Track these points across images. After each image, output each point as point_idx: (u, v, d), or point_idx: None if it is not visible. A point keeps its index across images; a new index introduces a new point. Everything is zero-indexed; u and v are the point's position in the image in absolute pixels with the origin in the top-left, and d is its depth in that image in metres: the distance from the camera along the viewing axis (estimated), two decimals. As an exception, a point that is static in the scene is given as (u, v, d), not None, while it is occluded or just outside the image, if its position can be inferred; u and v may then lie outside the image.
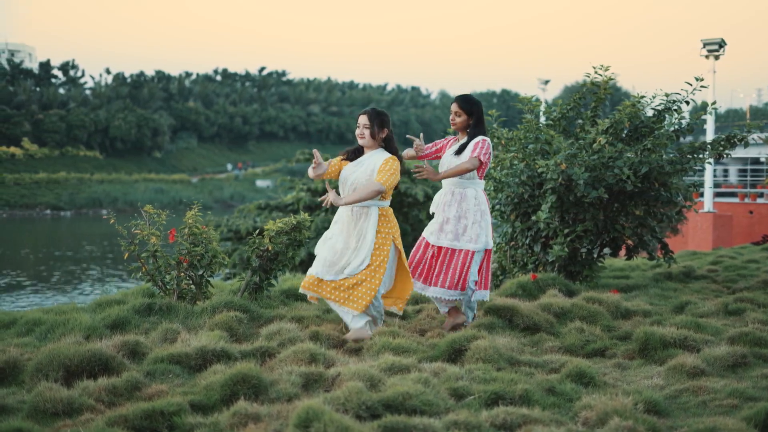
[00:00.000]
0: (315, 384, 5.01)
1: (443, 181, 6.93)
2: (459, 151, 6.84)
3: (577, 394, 4.96)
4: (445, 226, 6.84)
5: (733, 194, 27.68)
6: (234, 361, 5.49)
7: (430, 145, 7.14)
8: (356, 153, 6.72)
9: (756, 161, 33.48)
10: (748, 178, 29.08)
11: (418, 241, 6.98)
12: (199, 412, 4.51)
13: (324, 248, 6.60)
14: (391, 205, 6.50)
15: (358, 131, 6.64)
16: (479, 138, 6.84)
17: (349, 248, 6.52)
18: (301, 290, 6.61)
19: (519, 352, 5.96)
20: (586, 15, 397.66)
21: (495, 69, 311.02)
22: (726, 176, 36.10)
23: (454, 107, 6.89)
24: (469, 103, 6.85)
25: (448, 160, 6.88)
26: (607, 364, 5.91)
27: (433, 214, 6.98)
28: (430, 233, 6.90)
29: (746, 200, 24.38)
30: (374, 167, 6.53)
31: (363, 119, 6.62)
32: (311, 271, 6.54)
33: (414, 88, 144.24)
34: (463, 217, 6.83)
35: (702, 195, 21.11)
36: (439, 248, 6.84)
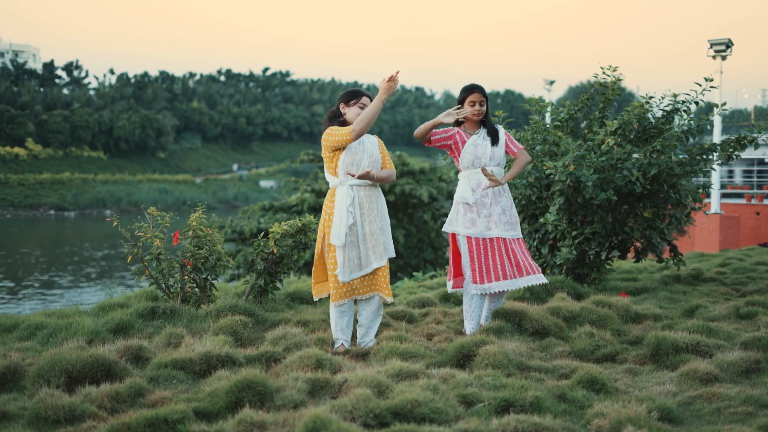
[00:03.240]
0: (321, 390, 4.92)
1: (478, 172, 6.62)
2: (495, 141, 6.71)
3: (589, 401, 4.86)
4: (502, 216, 6.66)
5: (739, 195, 27.54)
6: (239, 366, 5.41)
7: (441, 131, 6.79)
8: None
9: (761, 162, 33.33)
10: (755, 179, 28.94)
11: (473, 244, 6.60)
12: (203, 419, 4.43)
13: (353, 242, 6.28)
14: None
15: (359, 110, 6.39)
16: (502, 129, 6.84)
17: (376, 229, 6.34)
18: (338, 302, 6.30)
19: (528, 358, 5.86)
20: (590, 14, 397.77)
21: (499, 69, 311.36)
22: (731, 177, 35.95)
23: (477, 97, 6.61)
24: (485, 92, 6.74)
25: (488, 151, 6.64)
26: (618, 369, 5.81)
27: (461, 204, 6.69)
28: (487, 228, 6.61)
29: (753, 201, 24.26)
30: (375, 146, 6.47)
31: (369, 102, 6.42)
32: (344, 278, 6.24)
33: (418, 89, 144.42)
34: (512, 206, 6.79)
35: (709, 196, 20.99)
36: (508, 240, 6.69)
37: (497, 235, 6.62)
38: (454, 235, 6.74)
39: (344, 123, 6.39)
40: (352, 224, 6.27)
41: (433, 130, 6.66)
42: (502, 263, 6.63)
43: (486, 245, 6.60)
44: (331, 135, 6.28)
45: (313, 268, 6.59)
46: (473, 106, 6.65)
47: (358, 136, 6.20)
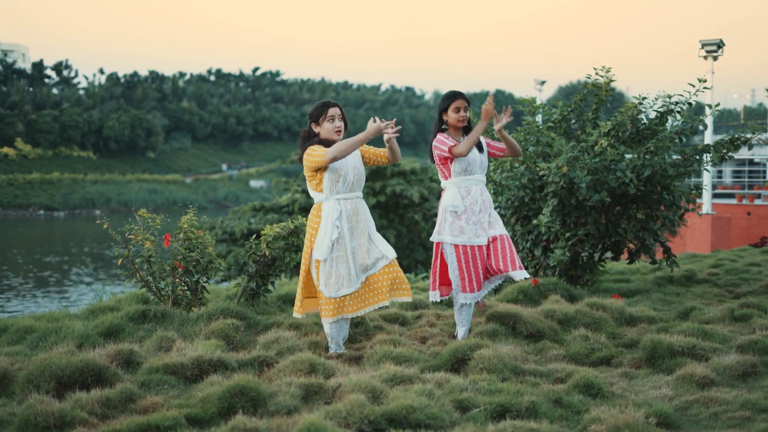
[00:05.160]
0: (315, 396, 4.86)
1: (473, 179, 6.58)
2: (481, 148, 6.69)
3: (585, 406, 4.82)
4: (490, 219, 6.63)
5: (730, 195, 27.56)
6: (231, 371, 5.34)
7: (444, 138, 6.64)
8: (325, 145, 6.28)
9: (751, 162, 33.38)
10: (746, 179, 28.98)
11: (461, 252, 6.52)
12: (195, 426, 4.36)
13: (340, 256, 6.15)
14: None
15: (336, 124, 6.22)
16: (482, 137, 6.83)
17: (366, 240, 6.25)
18: (330, 320, 6.13)
19: (523, 361, 5.81)
20: (580, 15, 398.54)
21: (489, 69, 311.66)
22: (720, 177, 35.99)
23: (462, 103, 6.54)
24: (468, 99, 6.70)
25: (478, 158, 6.60)
26: (613, 373, 5.77)
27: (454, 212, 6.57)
28: (476, 235, 6.52)
29: (744, 201, 24.28)
30: (359, 158, 6.35)
31: (338, 111, 6.26)
32: (331, 293, 6.11)
33: (408, 89, 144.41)
34: (493, 209, 6.76)
35: (700, 197, 20.97)
36: (494, 238, 6.64)
37: (485, 242, 6.58)
38: (439, 244, 6.67)
39: (322, 140, 6.24)
40: (340, 239, 6.16)
41: (439, 142, 6.59)
42: (484, 267, 6.59)
43: (474, 253, 6.54)
44: (311, 156, 6.14)
45: (301, 285, 6.41)
46: (457, 112, 6.57)
47: (332, 162, 6.06)
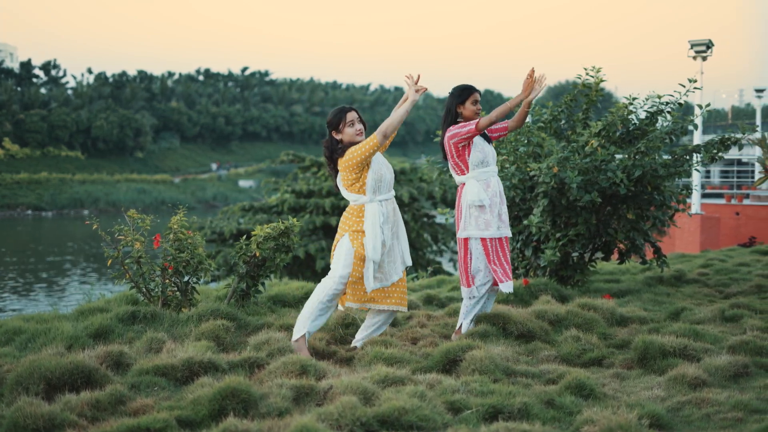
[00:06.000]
0: (306, 397, 4.83)
1: (490, 170, 6.61)
2: (489, 139, 6.77)
3: (578, 407, 4.81)
4: (503, 216, 6.65)
5: (719, 195, 27.61)
6: (222, 373, 5.31)
7: (462, 125, 6.66)
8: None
9: (739, 162, 33.45)
10: (734, 179, 29.05)
11: (489, 246, 6.55)
12: (186, 428, 4.33)
13: (379, 255, 6.18)
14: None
15: (357, 127, 6.23)
16: None
17: (401, 240, 6.38)
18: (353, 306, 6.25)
19: (515, 362, 5.80)
20: (568, 17, 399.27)
21: (476, 69, 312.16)
22: (708, 177, 36.05)
23: (478, 96, 6.67)
24: None
25: (490, 150, 6.69)
26: (605, 374, 5.76)
27: (476, 207, 6.58)
28: (498, 228, 6.58)
29: (733, 201, 24.33)
30: (383, 157, 6.42)
31: (355, 114, 6.28)
32: (371, 285, 6.17)
33: (397, 89, 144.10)
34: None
35: (690, 197, 20.97)
36: (506, 238, 6.70)
37: (506, 234, 6.64)
38: (467, 240, 6.65)
39: (346, 145, 6.22)
40: (384, 239, 6.22)
41: (456, 128, 6.59)
42: (508, 262, 6.62)
43: (498, 245, 6.56)
44: (358, 151, 6.11)
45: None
46: (475, 104, 6.64)
47: (386, 137, 6.12)
